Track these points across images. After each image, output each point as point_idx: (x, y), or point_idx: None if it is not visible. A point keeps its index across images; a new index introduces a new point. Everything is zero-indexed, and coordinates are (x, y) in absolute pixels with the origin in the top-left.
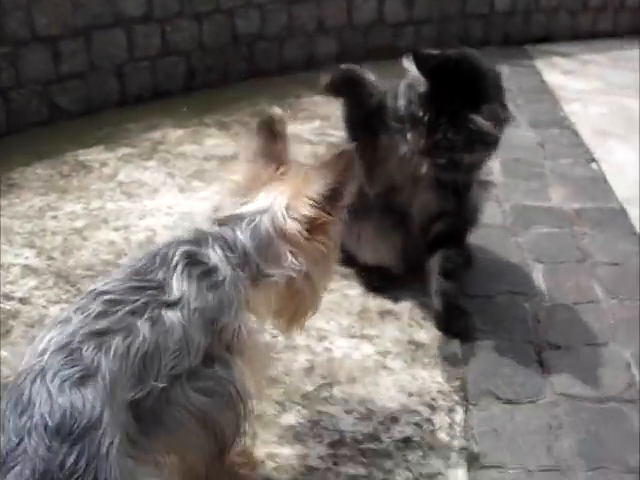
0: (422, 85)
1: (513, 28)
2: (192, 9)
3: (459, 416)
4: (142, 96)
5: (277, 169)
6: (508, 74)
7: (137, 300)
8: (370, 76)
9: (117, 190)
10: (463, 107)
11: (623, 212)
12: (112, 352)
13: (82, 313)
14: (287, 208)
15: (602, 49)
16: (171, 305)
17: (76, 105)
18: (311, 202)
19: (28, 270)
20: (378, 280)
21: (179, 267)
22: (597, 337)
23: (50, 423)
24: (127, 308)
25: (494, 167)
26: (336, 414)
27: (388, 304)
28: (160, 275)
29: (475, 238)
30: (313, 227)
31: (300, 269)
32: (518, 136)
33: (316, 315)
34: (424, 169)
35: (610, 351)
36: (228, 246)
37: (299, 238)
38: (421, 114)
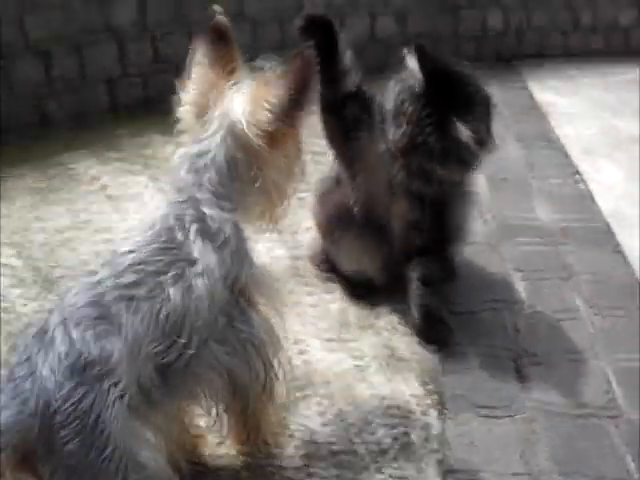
0: (417, 82)
1: (505, 47)
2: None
3: (435, 427)
4: (132, 105)
5: (229, 70)
6: (497, 92)
7: (161, 260)
8: (346, 48)
9: (103, 198)
10: (453, 114)
11: (608, 230)
12: (140, 313)
13: (110, 270)
14: (246, 116)
15: (593, 68)
16: (193, 264)
17: (67, 113)
18: (270, 109)
19: (14, 279)
20: (359, 289)
21: (192, 230)
22: (576, 347)
23: (65, 361)
24: (152, 268)
25: (481, 183)
26: (311, 421)
27: (368, 313)
28: (180, 236)
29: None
30: (274, 137)
31: (270, 182)
32: (505, 153)
33: (294, 319)
34: (399, 176)
35: (589, 363)
36: (213, 193)
37: (262, 150)
38: (410, 111)
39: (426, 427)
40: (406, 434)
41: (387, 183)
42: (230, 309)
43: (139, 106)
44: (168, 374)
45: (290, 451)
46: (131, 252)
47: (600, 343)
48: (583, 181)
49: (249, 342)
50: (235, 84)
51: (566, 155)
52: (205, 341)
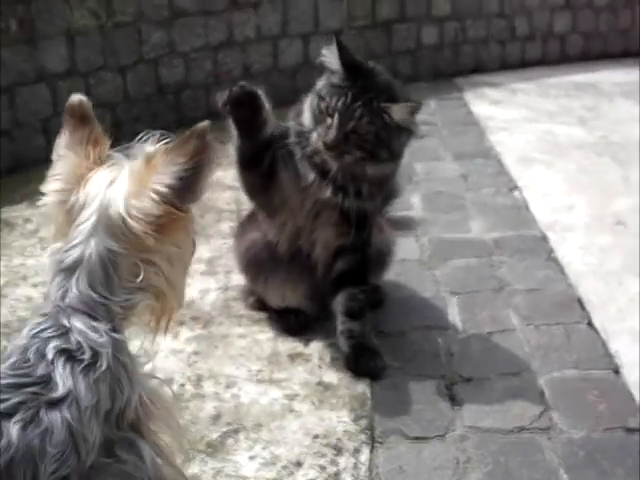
0: (337, 75)
1: (442, 61)
2: (115, 61)
3: (364, 456)
4: None
5: (95, 153)
6: (435, 108)
7: (9, 399)
8: (265, 101)
9: (38, 246)
10: (379, 97)
11: (544, 239)
12: None
13: None
14: (126, 207)
15: (531, 78)
16: (54, 403)
17: (3, 162)
18: (156, 196)
19: None
20: (291, 322)
21: (59, 363)
22: (511, 366)
23: None
24: None
25: (414, 201)
26: (240, 460)
27: (299, 347)
28: (40, 370)
29: (390, 274)
30: (162, 225)
31: (158, 275)
32: (441, 169)
33: (226, 362)
34: (327, 192)
35: (524, 380)
36: (87, 314)
37: (146, 241)
38: (334, 102)
39: (355, 456)
40: (334, 462)
41: (312, 212)
42: (111, 443)
43: None
44: None
45: None
46: None
47: (536, 360)
48: (519, 190)
49: (131, 476)
50: (108, 166)
51: (502, 166)
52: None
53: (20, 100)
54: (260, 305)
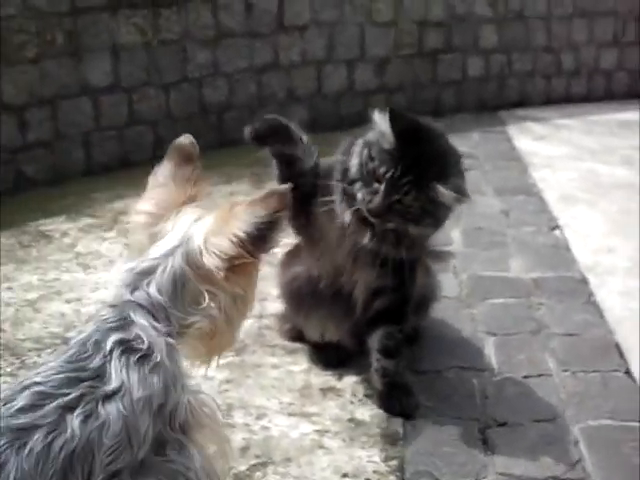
0: (389, 142)
1: (487, 94)
2: (159, 79)
3: None
4: (109, 165)
5: (191, 192)
6: (478, 140)
7: (69, 393)
8: (300, 133)
9: (74, 261)
10: (429, 173)
11: (583, 281)
12: (27, 449)
13: (6, 404)
14: (205, 241)
15: (575, 114)
16: (110, 396)
17: (42, 174)
18: (234, 239)
19: None
20: (327, 354)
21: (115, 354)
22: (546, 412)
23: None
24: (57, 402)
25: (454, 236)
26: None
27: (332, 381)
28: (96, 362)
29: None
30: (232, 266)
31: (219, 309)
32: (482, 204)
33: (257, 392)
34: (365, 239)
35: (558, 427)
36: (150, 313)
37: (216, 276)
38: (383, 171)
39: None
40: None
41: (351, 253)
42: (163, 442)
43: (115, 164)
44: None
45: None
46: (36, 384)
47: (572, 407)
48: (560, 229)
49: (182, 476)
50: (197, 205)
51: (544, 203)
52: (117, 474)
53: (62, 112)
54: (295, 334)
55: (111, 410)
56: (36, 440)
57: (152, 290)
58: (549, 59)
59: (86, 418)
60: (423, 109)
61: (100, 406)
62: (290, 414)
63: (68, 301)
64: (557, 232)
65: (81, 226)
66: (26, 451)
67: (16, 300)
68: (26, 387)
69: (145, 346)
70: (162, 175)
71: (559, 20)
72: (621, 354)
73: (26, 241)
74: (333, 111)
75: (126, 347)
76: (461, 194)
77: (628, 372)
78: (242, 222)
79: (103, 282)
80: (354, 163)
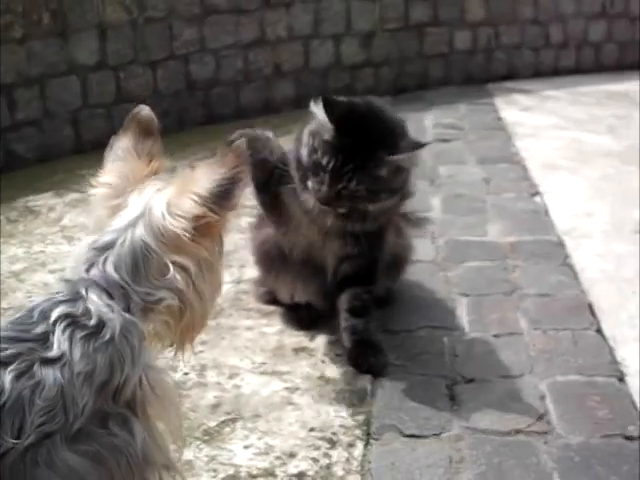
0: (328, 132)
1: (474, 67)
2: (146, 56)
3: (358, 451)
4: (97, 143)
5: (150, 165)
6: (464, 112)
7: (7, 349)
8: (268, 134)
9: (59, 234)
10: (373, 153)
11: (560, 244)
12: None
13: None
14: (168, 205)
15: (563, 85)
16: (48, 361)
17: (32, 152)
18: (196, 198)
19: None
20: (300, 314)
21: (59, 326)
22: (514, 369)
23: None
24: None
25: (434, 203)
26: (234, 449)
27: (304, 341)
28: (40, 329)
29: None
30: (198, 228)
31: (186, 282)
32: (464, 172)
33: (231, 353)
34: (329, 221)
35: (525, 383)
36: (105, 290)
37: (182, 240)
38: (325, 162)
39: (349, 450)
40: (327, 455)
41: (320, 231)
42: (105, 415)
43: (104, 141)
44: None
45: (210, 476)
46: None
47: (540, 364)
48: (540, 196)
49: (123, 454)
50: (158, 179)
51: (525, 171)
52: (47, 436)
53: (50, 91)
54: (270, 298)
55: (47, 374)
56: None
57: (108, 267)
58: (537, 31)
59: (20, 375)
60: (410, 82)
61: (37, 367)
62: (262, 373)
63: (52, 272)
64: (537, 198)
65: (68, 201)
66: None
67: (1, 272)
68: None
69: (93, 323)
70: (120, 148)
71: None
72: (593, 313)
73: (13, 216)
74: (320, 86)
75: (72, 321)
76: (416, 148)
77: (599, 330)
78: (203, 181)
79: None
80: (303, 153)
